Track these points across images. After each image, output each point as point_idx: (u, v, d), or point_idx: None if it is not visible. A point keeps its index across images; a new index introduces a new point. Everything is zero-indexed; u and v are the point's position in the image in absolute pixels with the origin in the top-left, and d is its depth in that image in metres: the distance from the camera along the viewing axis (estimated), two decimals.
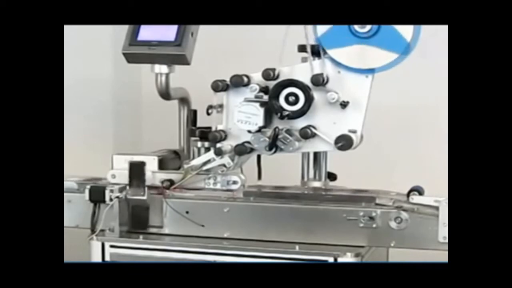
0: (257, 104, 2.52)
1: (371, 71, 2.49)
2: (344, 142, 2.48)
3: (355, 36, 2.45)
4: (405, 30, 2.42)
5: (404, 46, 2.43)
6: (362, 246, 2.50)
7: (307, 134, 2.50)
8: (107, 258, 2.59)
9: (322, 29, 2.48)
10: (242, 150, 2.55)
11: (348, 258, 2.44)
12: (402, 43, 2.42)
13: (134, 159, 2.67)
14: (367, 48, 2.44)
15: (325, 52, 2.50)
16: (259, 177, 2.76)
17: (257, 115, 2.52)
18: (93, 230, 2.62)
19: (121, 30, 2.73)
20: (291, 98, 2.51)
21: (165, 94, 2.75)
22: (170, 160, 2.77)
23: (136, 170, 2.66)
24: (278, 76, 2.54)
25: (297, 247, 2.49)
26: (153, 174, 2.67)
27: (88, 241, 2.61)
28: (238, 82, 2.54)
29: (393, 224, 2.49)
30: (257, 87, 2.53)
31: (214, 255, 2.52)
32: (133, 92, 3.70)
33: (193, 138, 2.78)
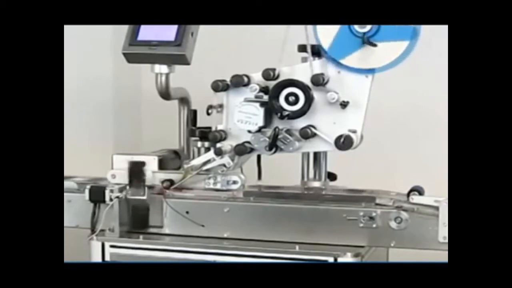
0: (257, 104, 2.52)
1: (371, 71, 2.49)
2: (344, 142, 2.48)
3: (358, 37, 2.44)
4: None
5: (410, 31, 2.43)
6: (362, 246, 2.50)
7: (307, 134, 2.50)
8: (107, 258, 2.59)
9: (326, 42, 2.48)
10: (242, 150, 2.55)
11: (348, 258, 2.44)
12: (407, 29, 2.43)
13: (134, 159, 2.67)
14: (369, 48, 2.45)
15: (325, 52, 2.50)
16: (259, 177, 2.76)
17: (257, 115, 2.52)
18: (93, 230, 2.63)
19: (121, 30, 2.73)
20: (291, 98, 2.51)
21: (165, 94, 2.75)
22: (170, 160, 2.77)
23: (136, 170, 2.66)
24: (278, 76, 2.54)
25: (297, 247, 2.49)
26: (153, 174, 2.67)
27: (88, 241, 2.62)
28: (238, 82, 2.54)
29: (393, 224, 2.49)
30: (257, 87, 2.53)
31: (214, 255, 2.52)
32: (133, 92, 3.70)
33: (193, 138, 2.78)
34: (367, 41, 2.42)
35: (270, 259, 2.48)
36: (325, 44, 2.48)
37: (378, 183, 2.67)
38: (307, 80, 2.50)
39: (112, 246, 2.59)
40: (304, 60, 2.56)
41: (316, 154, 2.73)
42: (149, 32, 2.68)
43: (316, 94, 2.51)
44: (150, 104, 3.26)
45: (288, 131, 2.52)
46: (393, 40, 2.43)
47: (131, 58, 2.71)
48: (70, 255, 2.49)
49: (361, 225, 2.51)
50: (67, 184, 2.72)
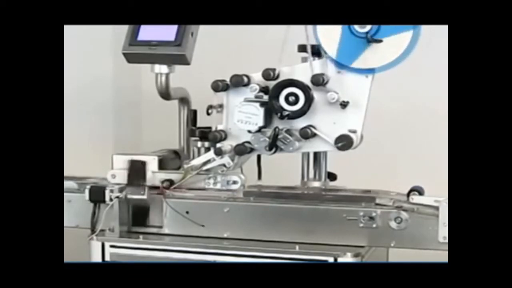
0: (257, 104, 2.52)
1: (371, 71, 2.49)
2: (344, 142, 2.48)
3: (361, 38, 2.44)
4: None
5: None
6: (362, 246, 2.50)
7: (307, 134, 2.50)
8: (107, 258, 2.59)
9: (331, 50, 2.48)
10: (242, 150, 2.55)
11: (348, 258, 2.44)
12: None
13: (134, 159, 2.67)
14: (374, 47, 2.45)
15: (325, 52, 2.50)
16: (259, 177, 2.76)
17: (257, 115, 2.52)
18: (93, 230, 2.63)
19: (121, 30, 2.73)
20: (291, 98, 2.51)
21: (165, 94, 2.75)
22: (170, 160, 2.77)
23: (136, 170, 2.66)
24: (278, 76, 2.54)
25: (297, 247, 2.49)
26: (153, 174, 2.67)
27: (88, 241, 2.62)
28: (238, 82, 2.54)
29: (393, 224, 2.49)
30: (257, 87, 2.53)
31: (214, 255, 2.52)
32: (133, 92, 3.70)
33: (193, 138, 2.78)
34: (371, 39, 2.41)
35: (270, 259, 2.48)
36: (332, 52, 2.47)
37: (378, 183, 2.67)
38: (307, 80, 2.50)
39: (112, 246, 2.59)
40: (304, 60, 2.56)
41: (316, 154, 2.72)
42: (149, 32, 2.68)
43: (316, 94, 2.51)
44: (150, 104, 3.26)
45: (288, 131, 2.52)
46: (396, 33, 2.42)
47: (131, 58, 2.71)
48: (70, 255, 2.49)
49: (361, 225, 2.51)
50: (67, 184, 2.72)
